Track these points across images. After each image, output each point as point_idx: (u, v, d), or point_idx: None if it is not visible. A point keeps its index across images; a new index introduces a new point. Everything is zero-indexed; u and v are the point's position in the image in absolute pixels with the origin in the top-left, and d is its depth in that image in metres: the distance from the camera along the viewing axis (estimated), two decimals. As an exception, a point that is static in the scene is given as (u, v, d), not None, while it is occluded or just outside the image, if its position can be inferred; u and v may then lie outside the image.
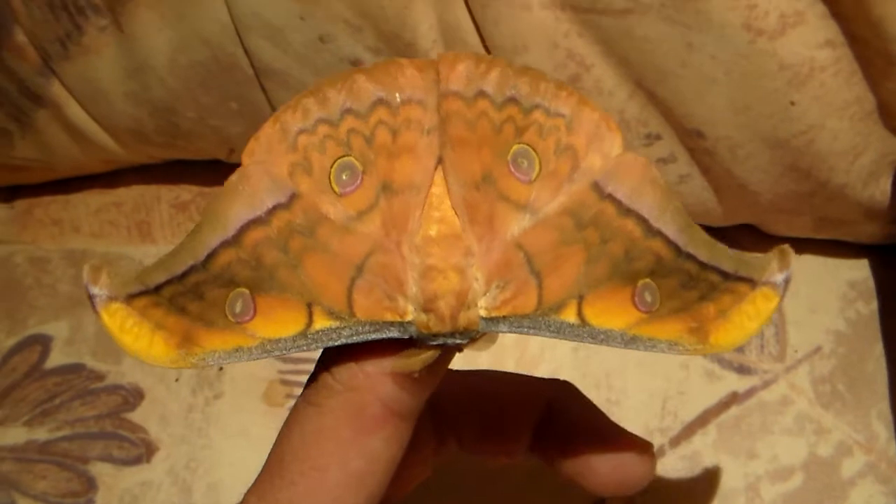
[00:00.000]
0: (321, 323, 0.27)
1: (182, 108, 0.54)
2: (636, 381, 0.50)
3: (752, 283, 0.28)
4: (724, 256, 0.28)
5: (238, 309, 0.27)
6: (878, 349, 0.51)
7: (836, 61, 0.42)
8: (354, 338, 0.27)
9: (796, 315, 0.52)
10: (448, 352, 0.28)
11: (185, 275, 0.27)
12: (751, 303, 0.28)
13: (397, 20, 0.46)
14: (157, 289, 0.27)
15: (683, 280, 0.28)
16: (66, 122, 0.57)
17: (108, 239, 0.62)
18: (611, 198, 0.27)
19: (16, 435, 0.54)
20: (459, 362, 0.30)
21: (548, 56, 0.45)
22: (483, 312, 0.27)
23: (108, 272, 0.27)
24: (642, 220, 0.27)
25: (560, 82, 0.28)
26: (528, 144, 0.28)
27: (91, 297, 0.27)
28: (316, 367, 0.28)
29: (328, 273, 0.27)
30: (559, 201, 0.27)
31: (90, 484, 0.52)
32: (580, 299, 0.27)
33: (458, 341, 0.27)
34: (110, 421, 0.54)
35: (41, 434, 0.54)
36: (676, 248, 0.27)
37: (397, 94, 0.28)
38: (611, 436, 0.34)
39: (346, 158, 0.27)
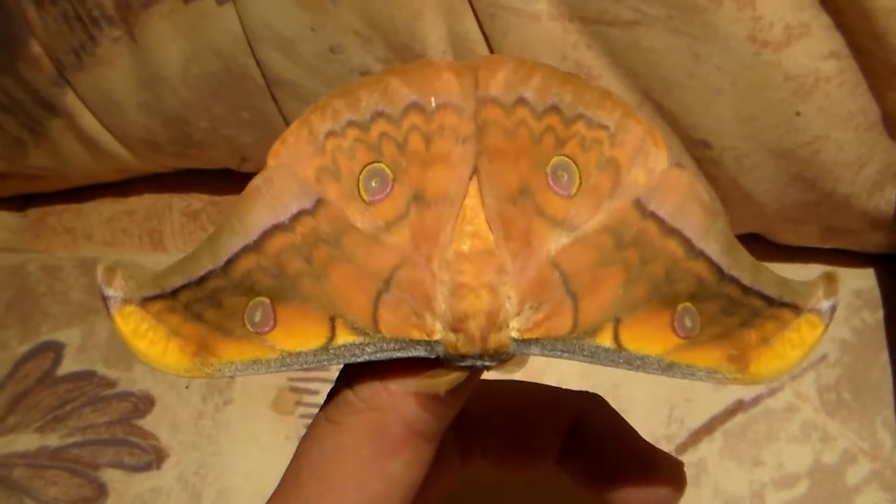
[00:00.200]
0: (344, 338, 0.25)
1: (194, 118, 0.55)
2: (643, 388, 0.51)
3: (796, 309, 0.26)
4: (768, 281, 0.26)
5: (258, 318, 0.26)
6: (884, 357, 0.51)
7: (840, 72, 0.42)
8: (378, 355, 0.25)
9: (802, 323, 0.52)
10: (475, 374, 0.26)
11: (203, 280, 0.26)
12: (795, 330, 0.26)
13: (407, 31, 0.46)
14: (174, 293, 0.26)
15: (725, 305, 0.26)
16: (80, 132, 0.57)
17: (121, 247, 0.62)
18: (653, 216, 0.26)
19: (28, 441, 0.54)
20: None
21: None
22: (515, 334, 0.25)
23: (123, 273, 0.26)
24: (685, 241, 0.26)
25: (605, 91, 0.27)
26: (568, 157, 0.26)
27: (105, 299, 0.26)
28: (337, 382, 0.27)
29: (353, 286, 0.25)
30: (599, 218, 0.26)
31: (101, 490, 0.52)
32: (617, 323, 0.25)
33: (487, 363, 0.25)
34: (121, 427, 0.54)
35: (53, 440, 0.54)
36: (719, 271, 0.26)
37: (432, 99, 0.26)
38: (640, 452, 0.32)
39: (376, 165, 0.26)
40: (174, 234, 0.62)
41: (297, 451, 0.27)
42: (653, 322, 0.26)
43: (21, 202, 0.65)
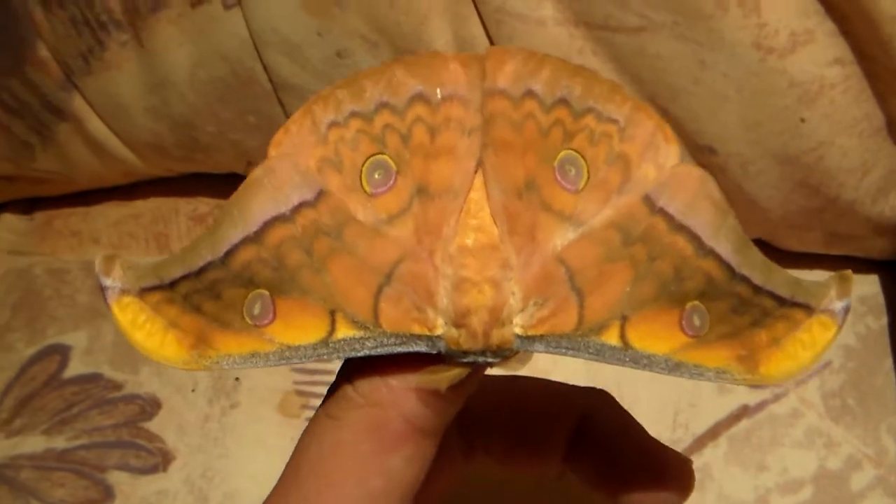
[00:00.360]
0: (344, 332, 0.25)
1: (201, 123, 0.55)
2: (648, 392, 0.51)
3: (808, 309, 0.26)
4: (780, 280, 0.26)
5: (256, 311, 0.25)
6: (888, 364, 0.51)
7: (845, 79, 0.42)
8: (379, 349, 0.25)
9: (807, 329, 0.52)
10: (477, 370, 0.25)
11: (202, 271, 0.25)
12: (806, 331, 0.25)
13: (413, 36, 0.47)
14: (172, 284, 0.25)
15: (735, 304, 0.25)
16: (87, 136, 0.58)
17: (127, 250, 0.62)
18: (662, 212, 0.25)
19: (35, 443, 0.54)
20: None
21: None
22: (518, 330, 0.25)
23: (122, 264, 0.25)
24: (695, 238, 0.25)
25: (615, 84, 0.26)
26: (576, 151, 0.26)
27: (103, 289, 0.25)
28: (337, 377, 0.26)
29: (354, 279, 0.25)
30: (606, 214, 0.25)
31: (107, 492, 0.52)
32: (623, 320, 0.25)
33: (489, 360, 0.25)
34: (127, 430, 0.54)
35: (59, 442, 0.54)
36: (730, 270, 0.25)
37: (438, 90, 0.26)
38: (648, 450, 0.32)
39: (379, 156, 0.26)
40: (180, 237, 0.62)
41: (296, 447, 0.26)
42: (660, 320, 0.25)
43: (28, 205, 0.66)
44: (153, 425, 0.54)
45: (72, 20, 0.52)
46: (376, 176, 0.25)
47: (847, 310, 0.26)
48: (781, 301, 0.26)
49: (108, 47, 0.53)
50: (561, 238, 0.25)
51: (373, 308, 0.25)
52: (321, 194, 0.25)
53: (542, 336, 0.25)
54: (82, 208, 0.65)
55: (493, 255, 0.25)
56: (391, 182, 0.25)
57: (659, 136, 0.26)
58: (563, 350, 0.25)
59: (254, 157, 0.57)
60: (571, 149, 0.26)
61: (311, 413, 0.54)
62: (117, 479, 0.53)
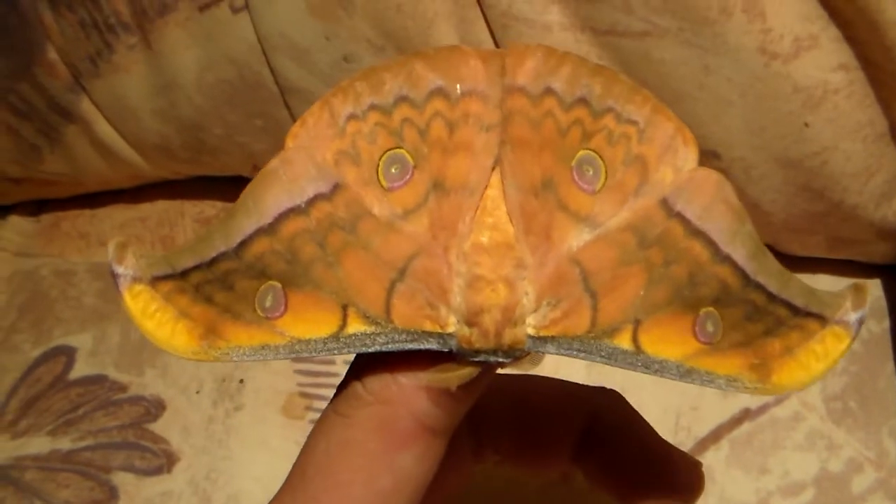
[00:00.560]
0: (355, 327, 0.25)
1: (209, 125, 0.55)
2: (650, 396, 0.51)
3: (822, 320, 0.25)
4: (795, 289, 0.25)
5: (268, 303, 0.25)
6: (890, 367, 0.51)
7: (849, 84, 0.43)
8: (390, 346, 0.24)
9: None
10: (488, 370, 0.25)
11: (214, 261, 0.25)
12: (820, 342, 0.25)
13: (420, 40, 0.47)
14: (184, 274, 0.25)
15: (749, 312, 0.25)
16: (95, 138, 0.58)
17: (133, 253, 0.62)
18: (679, 216, 0.25)
19: (40, 444, 0.54)
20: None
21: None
22: (531, 331, 0.24)
23: (135, 252, 0.25)
24: (711, 243, 0.25)
25: (635, 85, 0.26)
26: (594, 151, 0.25)
27: (114, 277, 0.25)
28: (347, 374, 0.26)
29: (367, 274, 0.25)
30: (623, 216, 0.25)
31: (112, 493, 0.52)
32: (636, 324, 0.24)
33: (501, 360, 0.24)
34: (132, 431, 0.54)
35: (65, 444, 0.54)
36: (745, 277, 0.25)
37: (458, 85, 0.25)
38: (658, 451, 0.31)
39: (396, 151, 0.25)
40: (186, 240, 0.62)
41: (304, 445, 0.26)
42: (674, 325, 0.25)
43: (35, 207, 0.66)
44: (158, 427, 0.54)
45: (80, 23, 0.52)
46: (393, 170, 0.25)
47: (862, 321, 0.25)
48: (796, 310, 0.25)
49: (116, 50, 0.53)
50: (576, 239, 0.25)
51: (385, 304, 0.24)
52: (337, 187, 0.25)
53: (554, 337, 0.24)
54: (89, 210, 0.65)
55: (508, 254, 0.24)
56: (408, 177, 0.25)
57: (678, 138, 0.25)
58: (575, 352, 0.25)
59: (260, 160, 0.57)
60: (590, 149, 0.25)
61: (315, 415, 0.54)
62: (122, 480, 0.53)
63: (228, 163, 0.59)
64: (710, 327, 0.25)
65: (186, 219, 0.63)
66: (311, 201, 0.25)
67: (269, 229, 0.25)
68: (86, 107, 0.56)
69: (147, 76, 0.54)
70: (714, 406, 0.51)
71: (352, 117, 0.25)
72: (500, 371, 0.26)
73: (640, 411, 0.32)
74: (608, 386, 0.33)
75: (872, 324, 0.52)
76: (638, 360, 0.25)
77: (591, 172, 0.25)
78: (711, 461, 0.49)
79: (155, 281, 0.25)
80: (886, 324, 0.52)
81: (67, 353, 0.58)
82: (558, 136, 0.25)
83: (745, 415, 0.51)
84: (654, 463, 0.31)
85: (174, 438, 0.54)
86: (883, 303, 0.53)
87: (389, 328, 0.24)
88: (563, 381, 0.34)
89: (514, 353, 0.24)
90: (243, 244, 0.25)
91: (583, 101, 0.25)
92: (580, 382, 0.33)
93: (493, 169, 0.25)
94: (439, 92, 0.25)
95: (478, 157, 0.25)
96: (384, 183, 0.25)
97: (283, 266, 0.25)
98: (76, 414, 0.55)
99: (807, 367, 0.25)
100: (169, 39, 0.52)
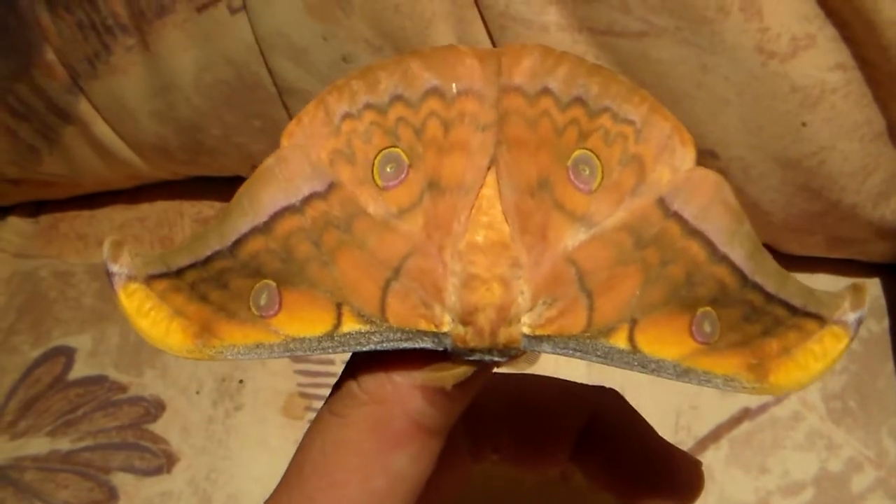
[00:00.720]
0: (350, 325, 0.24)
1: (207, 126, 0.55)
2: (650, 395, 0.51)
3: (821, 320, 0.25)
4: (793, 289, 0.25)
5: (263, 302, 0.25)
6: (889, 367, 0.51)
7: (846, 83, 0.43)
8: (384, 345, 0.24)
9: (808, 332, 0.52)
10: (484, 369, 0.25)
11: (209, 259, 0.25)
12: (818, 342, 0.25)
13: (417, 40, 0.47)
14: (179, 272, 0.25)
15: (746, 312, 0.25)
16: (93, 139, 0.58)
17: (132, 253, 0.62)
18: (676, 216, 0.25)
19: (39, 445, 0.54)
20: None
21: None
22: (526, 330, 0.24)
23: (130, 250, 0.25)
24: (708, 243, 0.25)
25: (633, 85, 0.26)
26: (591, 151, 0.25)
27: (109, 275, 0.25)
28: (342, 374, 0.26)
29: (362, 273, 0.24)
30: (619, 216, 0.25)
31: (112, 494, 0.52)
32: (633, 324, 0.24)
33: (496, 359, 0.24)
34: (132, 432, 0.54)
35: (64, 444, 0.54)
36: (742, 277, 0.25)
37: (453, 85, 0.25)
38: (657, 450, 0.31)
39: (392, 150, 0.25)
40: (182, 239, 0.62)
41: (300, 444, 0.26)
42: (670, 325, 0.25)
43: (34, 208, 0.66)
44: (157, 427, 0.54)
45: (78, 24, 0.52)
46: (388, 169, 0.25)
47: (860, 322, 0.25)
48: (794, 310, 0.25)
49: (114, 51, 0.53)
50: (572, 238, 0.25)
51: (380, 302, 0.24)
52: (332, 186, 0.25)
53: (549, 336, 0.24)
54: (88, 211, 0.65)
55: (503, 253, 0.24)
56: (403, 176, 0.25)
57: (675, 138, 0.25)
58: (571, 351, 0.24)
59: (258, 160, 0.56)
60: (586, 148, 0.25)
61: (314, 415, 0.54)
62: (121, 480, 0.53)
63: (227, 163, 0.59)
64: (707, 327, 0.25)
65: (185, 219, 0.63)
66: (307, 200, 0.25)
67: (265, 228, 0.25)
68: (84, 108, 0.56)
69: (145, 77, 0.54)
70: (714, 405, 0.51)
71: (347, 116, 0.25)
72: (496, 370, 0.26)
73: (639, 410, 0.32)
74: (607, 385, 0.33)
75: (872, 323, 0.52)
76: (634, 359, 0.24)
77: (587, 172, 0.25)
78: (711, 460, 0.49)
79: (150, 279, 0.25)
80: (886, 323, 0.52)
81: (67, 354, 0.58)
82: (554, 135, 0.25)
83: (745, 414, 0.51)
84: (653, 462, 0.31)
85: (174, 439, 0.54)
86: (882, 302, 0.53)
87: (384, 327, 0.24)
88: (561, 379, 0.33)
89: (510, 353, 0.24)
90: (238, 243, 0.25)
91: (579, 101, 0.25)
92: (580, 378, 0.33)
93: (489, 168, 0.25)
94: (435, 91, 0.25)
95: (473, 157, 0.25)
96: (379, 182, 0.25)
97: (277, 265, 0.25)
98: (75, 414, 0.55)
99: (805, 368, 0.25)
100: (167, 41, 0.52)
